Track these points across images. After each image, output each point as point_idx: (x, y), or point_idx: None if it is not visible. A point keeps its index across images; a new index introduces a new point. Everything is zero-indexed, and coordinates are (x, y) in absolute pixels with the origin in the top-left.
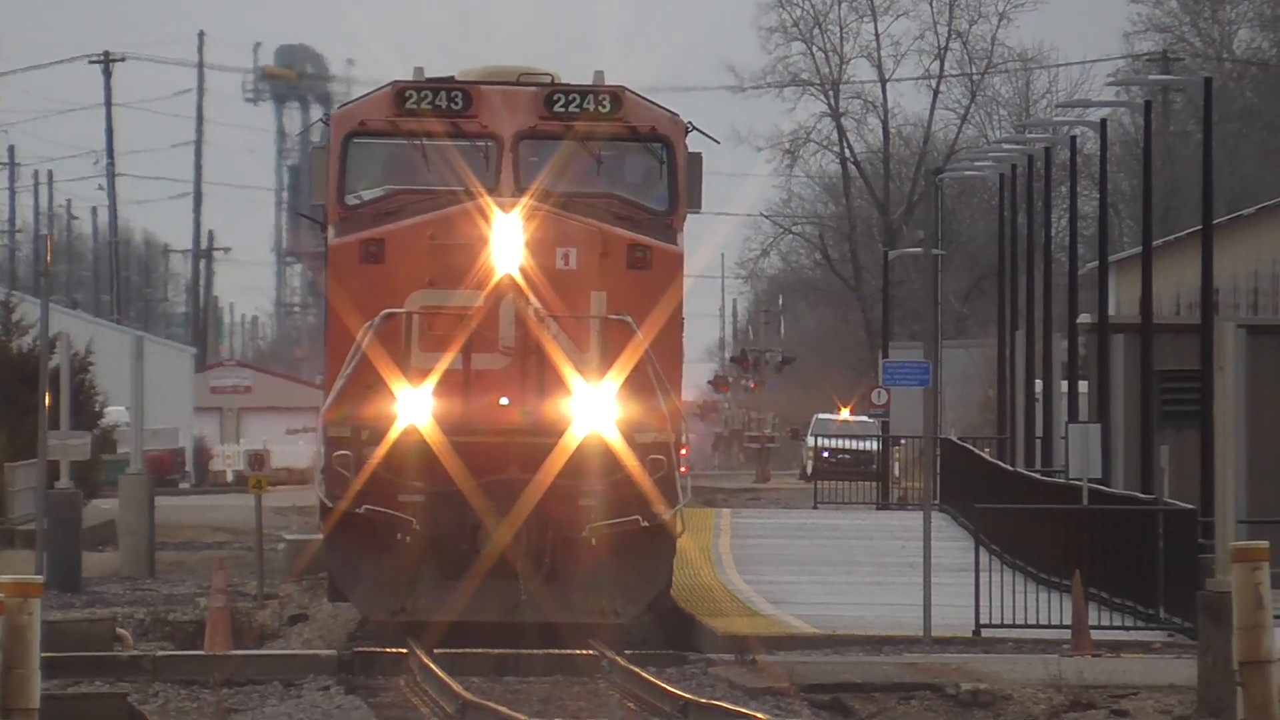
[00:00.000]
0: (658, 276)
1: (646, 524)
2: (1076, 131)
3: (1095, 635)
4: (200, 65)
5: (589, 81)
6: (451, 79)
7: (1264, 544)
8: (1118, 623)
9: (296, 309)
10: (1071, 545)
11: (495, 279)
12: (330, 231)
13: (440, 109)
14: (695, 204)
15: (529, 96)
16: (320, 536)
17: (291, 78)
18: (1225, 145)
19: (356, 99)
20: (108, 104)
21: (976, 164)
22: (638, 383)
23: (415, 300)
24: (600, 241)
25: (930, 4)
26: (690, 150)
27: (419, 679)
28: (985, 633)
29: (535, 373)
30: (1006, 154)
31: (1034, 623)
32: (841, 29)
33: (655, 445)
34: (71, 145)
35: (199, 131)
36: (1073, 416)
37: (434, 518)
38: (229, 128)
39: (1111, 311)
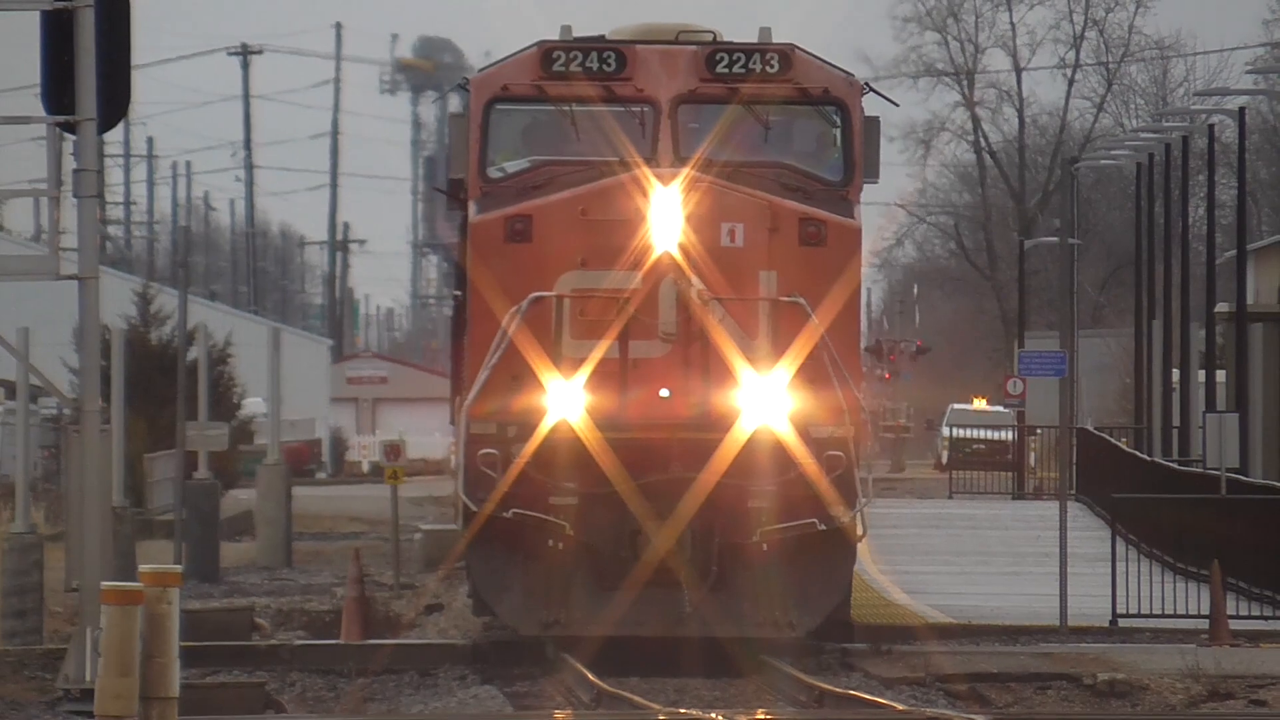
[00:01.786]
0: (833, 254)
1: (824, 527)
2: (1214, 120)
3: (1234, 625)
4: (338, 57)
5: (754, 39)
6: (602, 38)
7: None
8: (1256, 613)
9: (432, 301)
10: (1209, 535)
11: (653, 258)
12: (471, 207)
13: (591, 71)
14: (873, 174)
15: (689, 56)
16: (456, 528)
17: (428, 68)
18: None
19: (498, 61)
20: (245, 96)
21: (1113, 153)
22: (813, 371)
23: (566, 282)
24: (769, 216)
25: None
26: (867, 114)
27: (553, 670)
28: (1122, 623)
29: (699, 361)
30: (1143, 143)
31: (1171, 613)
32: (977, 18)
33: (832, 440)
34: (210, 137)
35: (335, 123)
36: (1210, 406)
37: (588, 522)
38: (366, 119)
39: (1249, 300)
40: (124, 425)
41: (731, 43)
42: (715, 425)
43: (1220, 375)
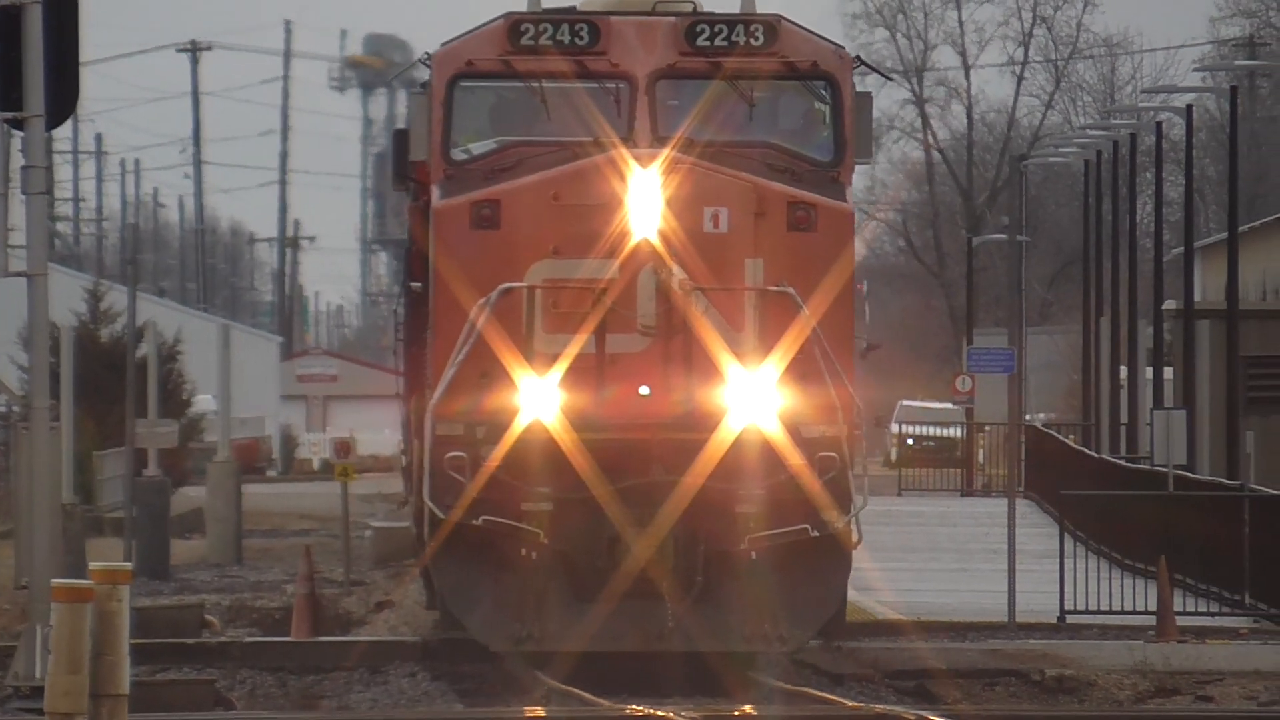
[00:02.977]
0: (824, 239)
1: (816, 534)
2: (1162, 117)
3: (1180, 621)
4: (287, 54)
5: (737, 10)
6: (573, 9)
7: None
8: (1203, 609)
9: (382, 298)
10: (1156, 531)
11: (631, 245)
12: (434, 192)
13: (562, 45)
14: (865, 153)
15: (667, 28)
16: (407, 525)
17: (378, 65)
18: None
19: (461, 35)
20: (195, 93)
21: (1061, 150)
22: (803, 367)
23: (537, 272)
24: (755, 199)
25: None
26: (858, 90)
27: (504, 665)
28: (1070, 619)
29: (680, 356)
30: (1091, 140)
31: (1119, 609)
32: (925, 15)
33: (825, 441)
34: (159, 134)
35: (285, 119)
36: (1158, 403)
37: (563, 529)
38: (315, 116)
39: (1197, 297)
40: (73, 422)
41: (713, 14)
42: (699, 425)
43: (1168, 372)
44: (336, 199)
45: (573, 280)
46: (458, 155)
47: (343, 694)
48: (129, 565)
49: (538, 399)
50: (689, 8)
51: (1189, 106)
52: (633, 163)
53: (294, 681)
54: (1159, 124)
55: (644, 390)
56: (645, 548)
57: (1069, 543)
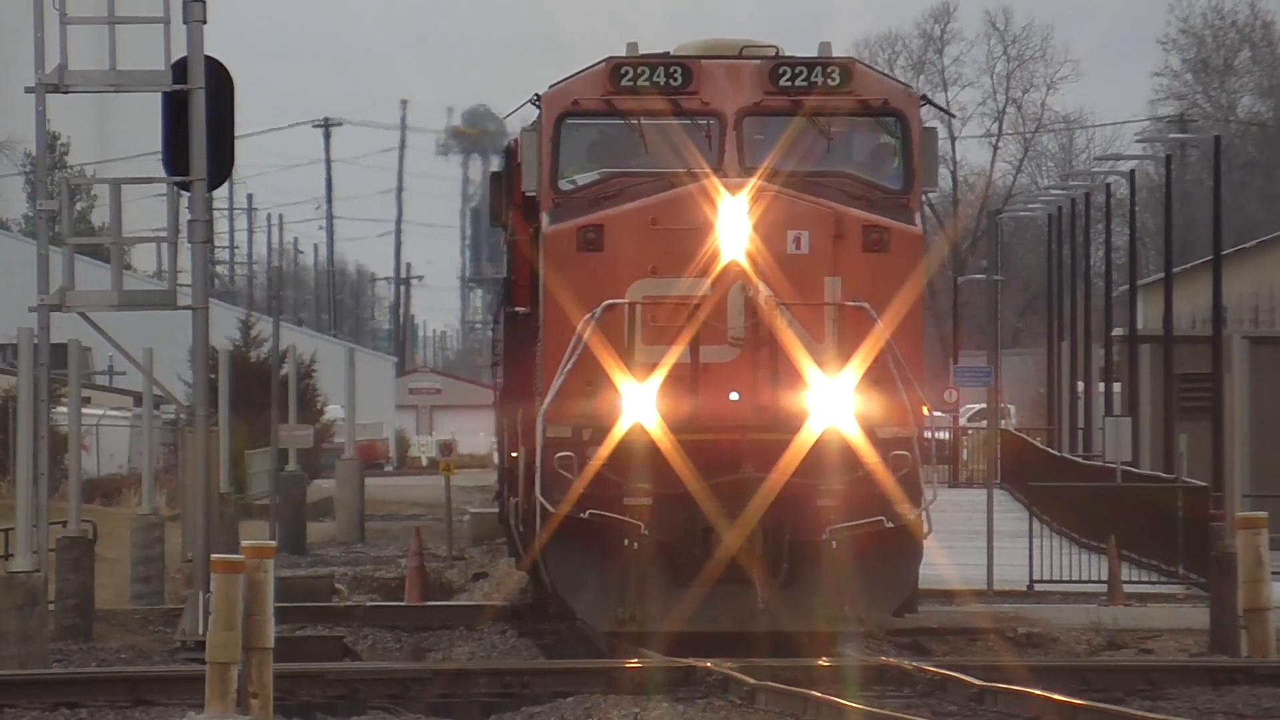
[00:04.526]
0: (896, 259)
1: (891, 525)
2: (1111, 179)
3: (1127, 589)
4: (403, 127)
5: (814, 53)
6: (668, 54)
7: (1264, 514)
8: (1145, 579)
9: (478, 325)
10: (1107, 516)
11: (722, 265)
12: (544, 218)
13: (658, 85)
14: (931, 182)
15: (753, 70)
16: (494, 511)
17: (475, 135)
18: (1232, 190)
19: (567, 77)
20: (327, 160)
21: (1029, 206)
22: (878, 374)
23: (637, 290)
24: (834, 223)
25: (991, 77)
26: (924, 125)
27: (576, 624)
28: (1037, 587)
29: (767, 364)
30: (1054, 198)
31: (1077, 579)
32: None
33: (898, 440)
34: (298, 194)
35: (400, 181)
36: (1108, 411)
37: (662, 522)
38: (424, 177)
39: (1140, 326)
40: (229, 427)
41: (794, 57)
42: (784, 426)
43: (1116, 386)
44: (441, 245)
45: (669, 297)
46: (565, 185)
47: (446, 648)
48: (273, 543)
49: (638, 404)
50: (772, 52)
51: (1132, 171)
52: (723, 191)
53: (407, 638)
54: (1108, 185)
55: (734, 396)
56: (736, 538)
57: (1036, 525)
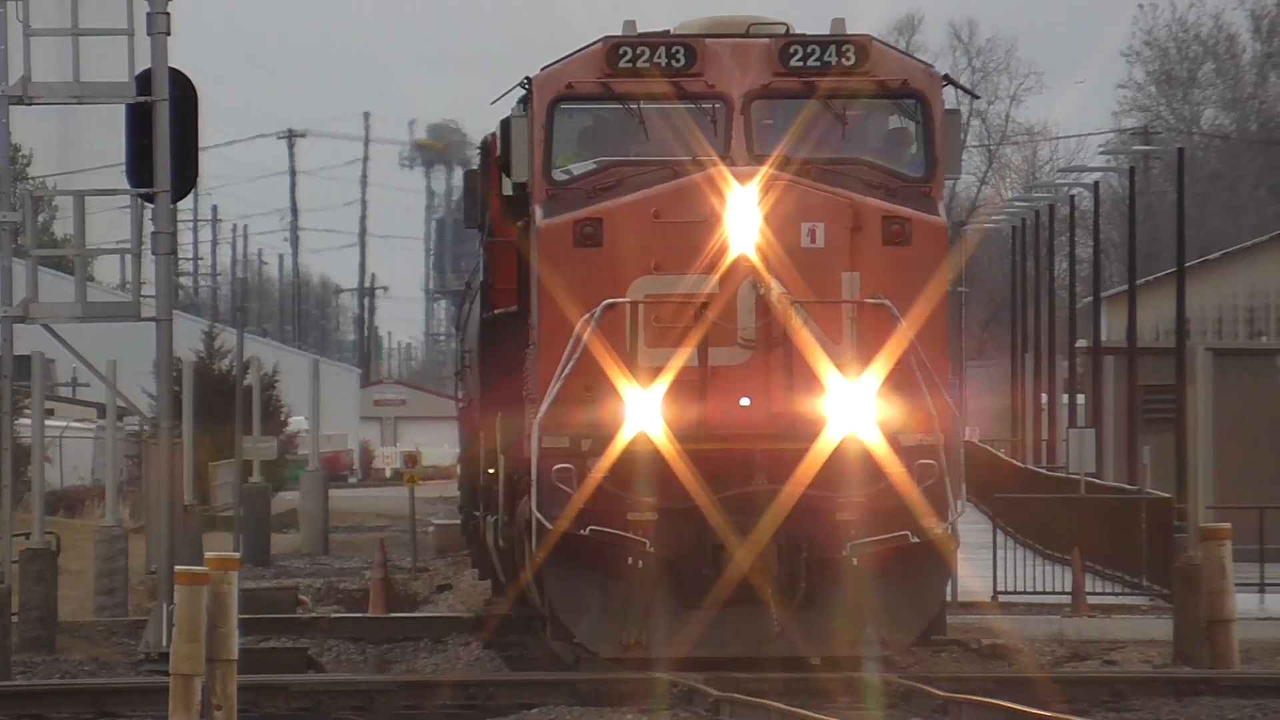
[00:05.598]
0: (918, 253)
1: (916, 540)
2: (1074, 192)
3: (1091, 600)
4: (366, 139)
5: (826, 31)
6: (668, 33)
7: (1227, 525)
8: (1109, 590)
9: (442, 337)
10: (1071, 527)
11: (730, 260)
12: (536, 212)
13: (659, 67)
14: (954, 169)
15: (761, 50)
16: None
17: (439, 148)
18: (1195, 203)
19: (561, 59)
20: (292, 172)
21: (994, 218)
22: (901, 377)
23: (639, 288)
24: (851, 214)
25: (955, 90)
26: (947, 107)
27: (541, 636)
28: (1001, 598)
29: (781, 367)
30: (1018, 210)
31: (1041, 590)
32: None
33: (923, 449)
34: (262, 205)
35: (363, 193)
36: (1071, 423)
37: (668, 538)
38: (388, 189)
39: (1103, 338)
40: (193, 439)
41: (805, 35)
42: (800, 434)
43: (1080, 398)
44: (405, 257)
45: (674, 295)
46: (559, 176)
47: (411, 659)
48: (237, 555)
49: (642, 411)
50: (781, 29)
51: (1096, 183)
52: (731, 180)
53: (371, 649)
54: (1072, 197)
55: (745, 402)
56: (748, 555)
57: (1000, 536)
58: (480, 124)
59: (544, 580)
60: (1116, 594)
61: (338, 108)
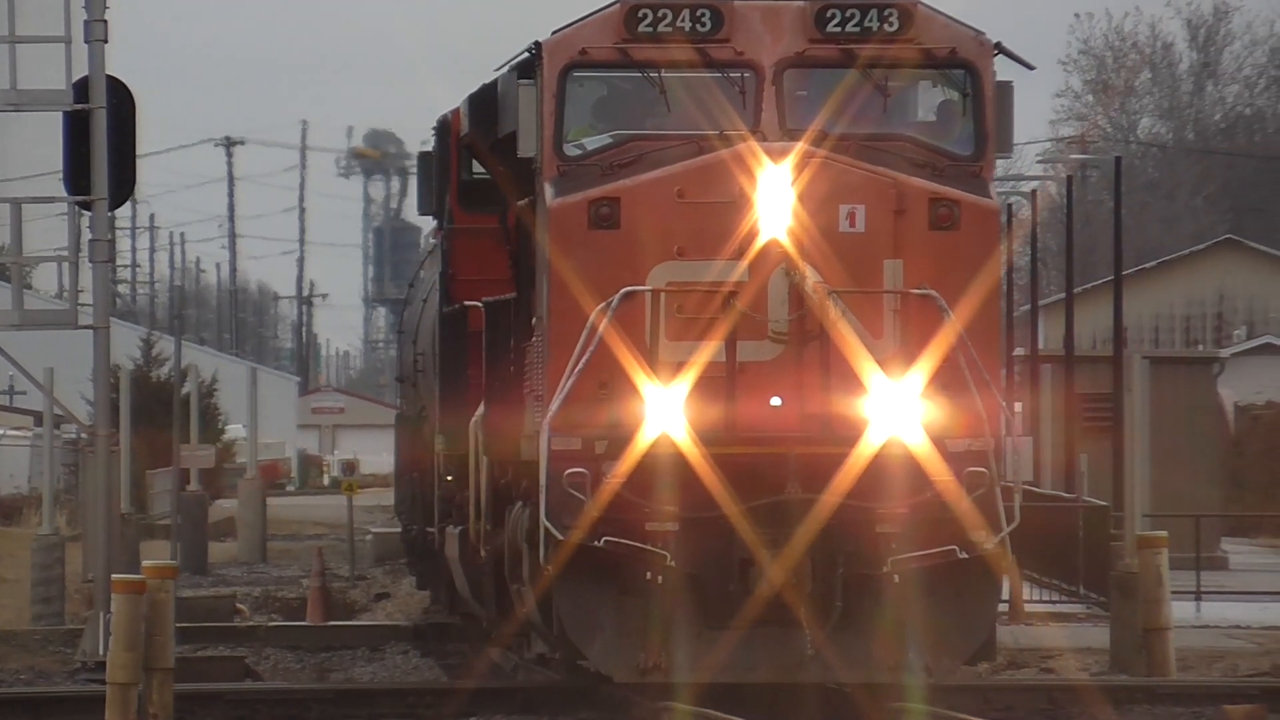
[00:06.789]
0: (968, 238)
1: (965, 555)
2: (1012, 200)
3: (1028, 608)
4: (303, 147)
5: None
6: None
7: (1164, 534)
8: (1046, 598)
9: (380, 344)
10: (1009, 535)
11: (760, 245)
12: (547, 190)
13: (682, 32)
14: (1006, 147)
15: (795, 14)
16: (399, 531)
17: (376, 156)
18: (1132, 212)
19: (573, 22)
20: (230, 179)
21: None
22: (948, 375)
23: (660, 275)
24: (895, 196)
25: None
26: (999, 79)
27: (477, 645)
28: None
29: (816, 364)
30: None
31: None
32: None
33: (973, 455)
34: (200, 213)
35: (301, 200)
36: (1009, 431)
37: (691, 551)
38: (326, 197)
39: (1041, 346)
40: (130, 447)
41: None
42: (837, 437)
43: (1018, 406)
44: (344, 264)
45: (699, 283)
46: (572, 150)
47: (349, 668)
48: (175, 563)
49: (663, 411)
50: None
51: (1034, 191)
52: (763, 157)
53: (309, 658)
54: (1009, 205)
55: (776, 401)
56: (780, 571)
57: None
58: (418, 131)
59: (553, 596)
60: (1054, 602)
61: (276, 115)
